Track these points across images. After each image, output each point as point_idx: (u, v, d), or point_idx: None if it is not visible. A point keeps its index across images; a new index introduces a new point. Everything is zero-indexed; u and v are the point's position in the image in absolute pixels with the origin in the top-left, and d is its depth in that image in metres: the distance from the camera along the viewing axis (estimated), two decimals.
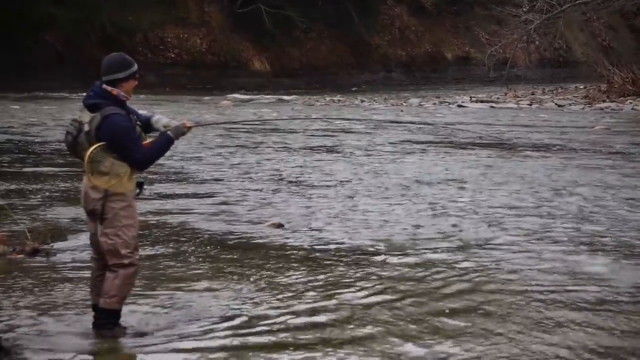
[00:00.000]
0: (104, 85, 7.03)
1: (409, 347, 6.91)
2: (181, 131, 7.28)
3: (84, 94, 7.20)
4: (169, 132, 7.22)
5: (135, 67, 7.16)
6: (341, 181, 15.91)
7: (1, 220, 11.65)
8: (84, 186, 7.10)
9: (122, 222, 7.03)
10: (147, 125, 7.27)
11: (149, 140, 7.19)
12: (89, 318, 7.34)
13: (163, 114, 7.61)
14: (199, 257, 10.04)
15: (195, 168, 17.52)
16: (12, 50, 41.45)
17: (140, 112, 7.34)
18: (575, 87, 48.11)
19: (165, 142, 7.20)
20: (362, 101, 40.64)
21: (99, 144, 6.89)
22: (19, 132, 23.86)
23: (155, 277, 9.02)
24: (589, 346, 7.01)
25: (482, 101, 40.63)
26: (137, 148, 7.03)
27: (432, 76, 58.29)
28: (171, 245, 10.56)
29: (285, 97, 41.48)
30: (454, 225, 11.89)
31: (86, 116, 6.97)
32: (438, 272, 9.32)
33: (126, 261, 7.05)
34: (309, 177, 16.36)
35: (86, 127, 6.93)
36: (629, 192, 14.68)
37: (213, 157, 19.24)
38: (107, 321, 7.13)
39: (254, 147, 21.31)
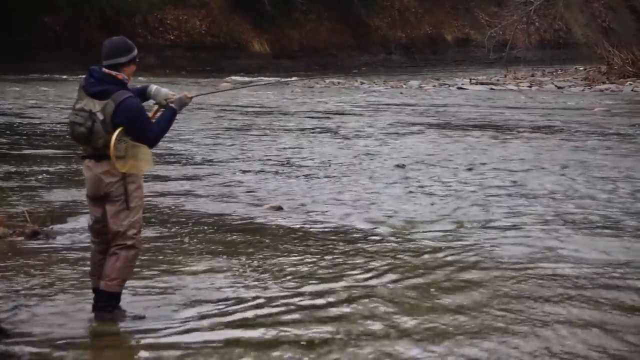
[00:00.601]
0: (106, 70, 7.02)
1: (407, 345, 6.90)
2: (184, 102, 7.30)
3: (84, 76, 7.15)
4: (172, 105, 7.23)
5: (136, 51, 7.15)
6: (339, 163, 15.92)
7: (1, 203, 11.67)
8: (90, 171, 7.05)
9: (134, 204, 7.06)
10: (141, 96, 7.28)
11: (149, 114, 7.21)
12: (89, 300, 7.36)
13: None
14: (198, 240, 10.05)
15: (191, 150, 17.52)
16: (11, 32, 41.36)
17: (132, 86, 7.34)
18: (575, 68, 48.09)
19: (170, 115, 7.21)
20: (362, 83, 40.62)
21: (119, 129, 6.87)
22: (18, 115, 23.85)
23: (154, 260, 9.04)
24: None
25: (482, 83, 40.61)
26: (152, 127, 7.06)
27: (432, 58, 58.23)
28: (169, 228, 10.57)
29: (284, 79, 41.44)
30: (453, 207, 11.93)
31: (95, 104, 6.90)
32: (439, 257, 9.35)
33: (129, 242, 7.06)
34: (307, 159, 16.37)
35: (100, 116, 6.86)
36: (622, 173, 14.72)
37: (209, 139, 19.24)
38: (107, 304, 7.14)
39: (251, 129, 21.31)
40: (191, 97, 7.35)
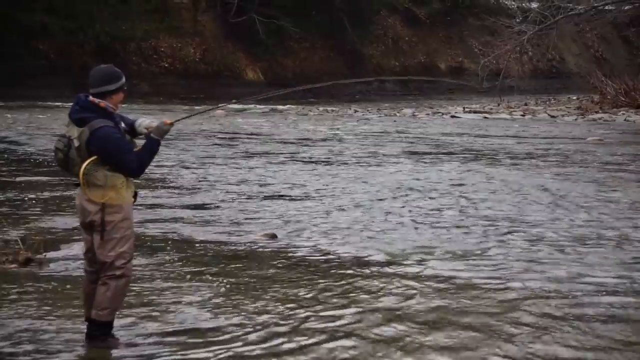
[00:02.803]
0: (91, 98, 7.00)
1: None
2: (163, 129, 7.23)
3: None
4: (152, 135, 7.19)
5: (124, 79, 7.14)
6: (332, 189, 15.89)
7: None
8: (78, 199, 7.06)
9: (120, 234, 7.02)
10: (132, 129, 7.26)
11: (139, 147, 7.17)
12: (82, 329, 7.33)
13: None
14: (189, 268, 10.00)
15: (184, 177, 17.47)
16: (5, 58, 41.42)
17: (127, 116, 7.33)
18: (568, 98, 48.24)
19: (151, 145, 7.15)
20: (356, 111, 40.66)
21: (92, 158, 6.86)
22: (11, 141, 23.82)
23: (144, 288, 9.00)
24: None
25: (475, 112, 40.70)
26: (131, 157, 7.00)
27: (426, 86, 58.32)
28: (158, 256, 10.50)
29: (279, 107, 41.49)
30: (443, 235, 11.92)
31: (74, 131, 6.92)
32: (435, 284, 9.33)
33: (118, 272, 7.04)
34: (301, 186, 16.34)
35: (76, 143, 6.89)
36: (614, 204, 14.75)
37: (202, 165, 19.20)
38: (99, 333, 7.12)
39: (246, 156, 21.29)
40: (171, 123, 7.28)
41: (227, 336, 7.48)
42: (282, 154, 22.12)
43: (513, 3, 63.95)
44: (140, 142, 7.25)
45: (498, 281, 9.43)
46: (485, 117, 37.99)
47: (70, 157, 6.93)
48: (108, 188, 6.91)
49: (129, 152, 7.02)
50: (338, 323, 7.86)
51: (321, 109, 41.42)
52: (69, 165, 6.97)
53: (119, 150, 6.93)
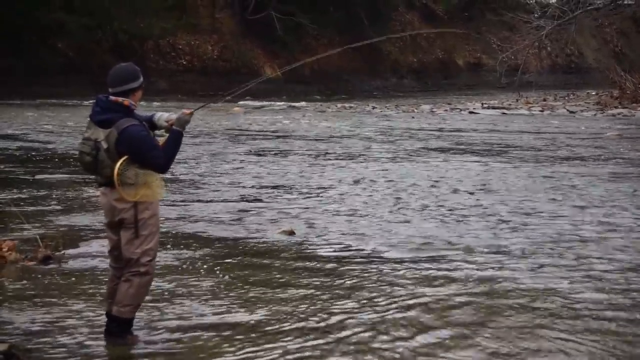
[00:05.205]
0: (112, 97, 6.99)
1: None
2: (184, 120, 7.23)
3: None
4: (174, 127, 7.19)
5: (142, 76, 7.18)
6: (352, 186, 15.88)
7: (13, 228, 11.66)
8: (105, 198, 7.07)
9: (148, 231, 7.04)
10: (151, 125, 7.27)
11: (161, 139, 7.18)
12: (101, 325, 7.34)
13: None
14: (209, 264, 9.99)
15: (200, 174, 17.49)
16: (23, 56, 41.58)
17: (142, 114, 7.34)
18: (587, 93, 48.08)
19: (175, 137, 7.16)
20: (374, 107, 40.62)
21: (123, 158, 6.86)
22: (31, 139, 23.90)
23: (165, 285, 9.00)
24: None
25: (493, 107, 40.62)
26: (159, 153, 7.00)
27: (444, 83, 58.25)
28: (178, 253, 10.51)
29: (297, 104, 41.47)
30: (461, 231, 11.89)
31: (100, 133, 6.92)
32: (452, 283, 9.31)
33: (142, 269, 7.04)
34: (317, 183, 16.32)
35: (104, 145, 6.88)
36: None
37: (219, 163, 19.22)
38: (119, 329, 7.13)
39: (261, 153, 21.30)
40: (190, 113, 7.27)
41: (247, 332, 7.46)
42: (300, 150, 22.11)
43: None
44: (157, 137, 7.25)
45: (525, 277, 9.41)
46: (504, 113, 37.90)
47: (99, 159, 6.91)
48: (140, 186, 6.92)
49: (156, 148, 7.02)
50: (366, 317, 7.86)
51: (339, 105, 41.40)
52: (98, 167, 6.96)
53: (146, 147, 6.94)
